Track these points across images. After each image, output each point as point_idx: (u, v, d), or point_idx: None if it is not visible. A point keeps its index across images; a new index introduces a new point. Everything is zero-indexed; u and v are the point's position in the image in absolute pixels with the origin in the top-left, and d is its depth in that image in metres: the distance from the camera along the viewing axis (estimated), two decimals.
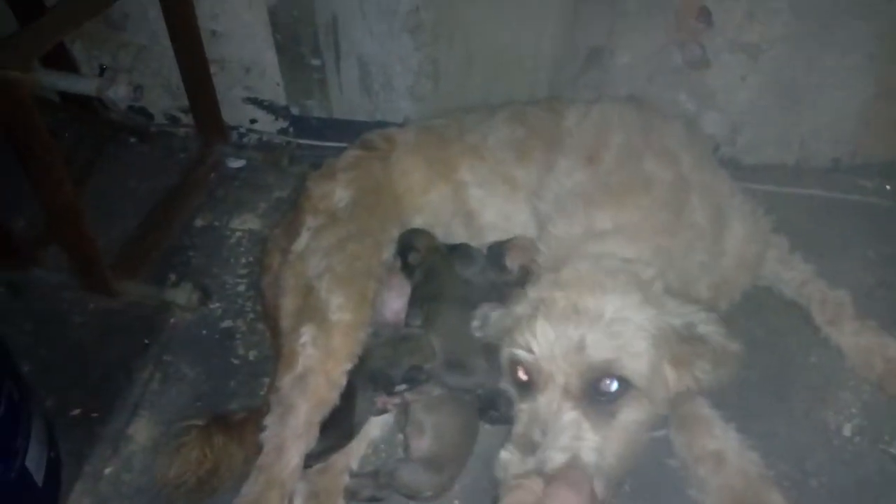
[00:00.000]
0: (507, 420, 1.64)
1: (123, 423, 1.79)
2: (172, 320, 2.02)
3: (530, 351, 1.33)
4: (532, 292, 1.43)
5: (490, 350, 1.54)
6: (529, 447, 1.29)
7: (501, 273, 1.79)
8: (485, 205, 1.88)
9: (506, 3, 2.13)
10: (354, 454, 1.63)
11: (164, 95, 2.56)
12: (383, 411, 1.64)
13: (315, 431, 1.49)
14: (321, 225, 1.73)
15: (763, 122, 2.33)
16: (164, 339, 1.97)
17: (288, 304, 1.65)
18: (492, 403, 1.62)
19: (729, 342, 1.37)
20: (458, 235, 1.90)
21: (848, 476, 1.63)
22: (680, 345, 1.37)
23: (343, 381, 1.53)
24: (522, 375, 1.38)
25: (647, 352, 1.32)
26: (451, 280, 1.75)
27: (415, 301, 1.74)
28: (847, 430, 1.71)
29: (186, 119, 2.58)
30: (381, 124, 2.26)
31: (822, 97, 2.24)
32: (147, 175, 2.46)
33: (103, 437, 1.77)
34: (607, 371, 1.30)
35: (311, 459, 1.50)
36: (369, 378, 1.55)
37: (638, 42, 2.20)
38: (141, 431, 1.78)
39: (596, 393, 1.30)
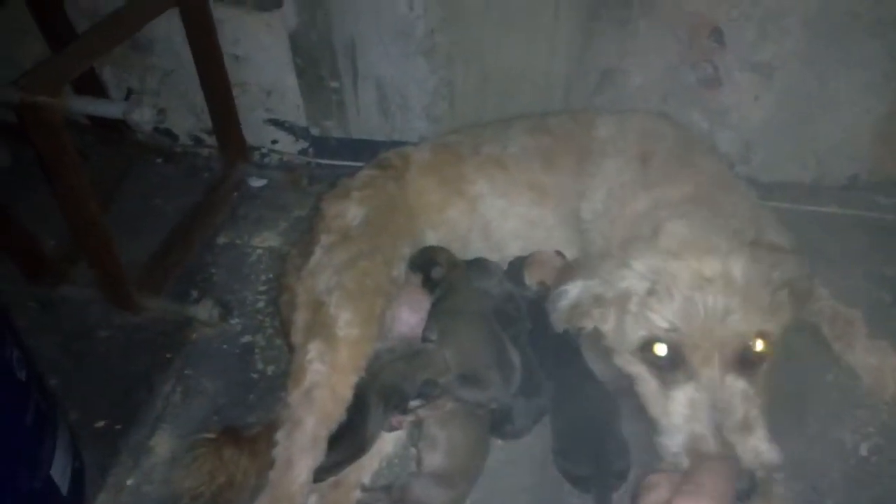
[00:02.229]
0: (520, 435, 1.66)
1: (145, 436, 1.84)
2: (194, 335, 2.06)
3: (675, 328, 1.31)
4: (637, 263, 1.38)
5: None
6: (706, 431, 1.27)
7: (520, 288, 1.81)
8: (506, 215, 1.89)
9: (519, 26, 2.17)
10: (367, 469, 1.65)
11: (189, 117, 2.63)
12: (396, 428, 1.65)
13: (322, 445, 1.51)
14: (333, 243, 1.76)
15: (778, 140, 2.33)
16: (186, 354, 2.02)
17: (298, 320, 1.68)
18: (506, 418, 1.63)
19: (813, 285, 1.39)
20: (476, 249, 1.92)
21: (864, 496, 1.60)
22: (779, 293, 1.37)
23: (349, 396, 1.54)
24: (662, 352, 1.35)
25: (772, 304, 1.33)
26: (470, 294, 1.77)
27: (434, 316, 1.75)
28: (864, 450, 1.69)
29: (210, 140, 2.65)
30: (398, 144, 2.31)
31: (836, 115, 2.24)
32: (172, 194, 2.53)
33: (126, 448, 1.81)
34: (755, 334, 1.31)
35: (322, 473, 1.52)
36: (382, 393, 1.57)
37: (650, 62, 2.22)
38: (162, 444, 1.82)
39: (746, 356, 1.32)
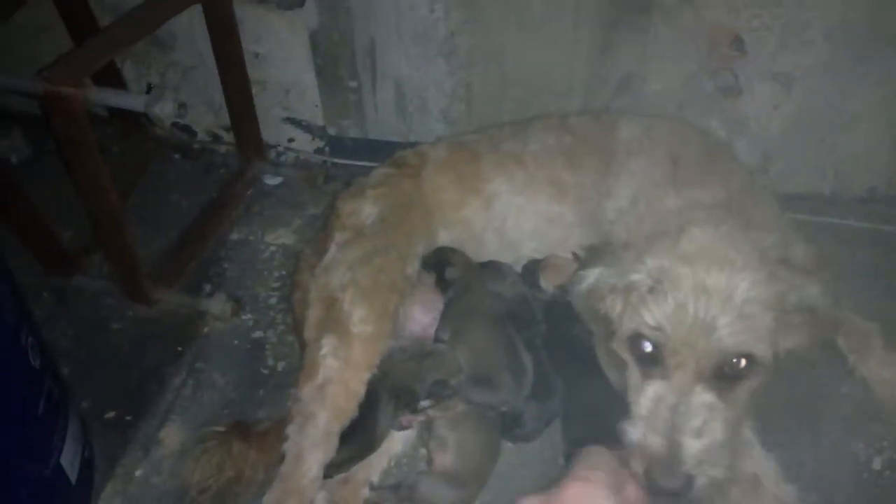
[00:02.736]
0: (531, 438, 1.66)
1: (155, 427, 1.85)
2: (206, 329, 2.08)
3: (661, 329, 1.34)
4: (650, 260, 1.40)
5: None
6: (660, 428, 1.31)
7: (535, 291, 1.80)
8: (523, 212, 1.89)
9: (538, 30, 2.17)
10: (376, 467, 1.65)
11: (208, 114, 2.65)
12: (406, 427, 1.65)
13: (334, 441, 1.51)
14: (348, 240, 1.77)
15: (797, 151, 2.32)
16: (197, 348, 2.03)
17: (311, 316, 1.68)
18: (517, 421, 1.63)
19: (838, 314, 1.38)
20: (491, 247, 1.91)
21: None
22: (790, 316, 1.37)
23: (362, 392, 1.55)
24: (647, 348, 1.38)
25: (771, 329, 1.33)
26: (483, 296, 1.77)
27: (447, 316, 1.75)
28: (877, 464, 1.67)
29: (227, 137, 2.66)
30: (415, 145, 2.30)
31: (856, 127, 2.22)
32: (188, 189, 2.55)
33: (135, 439, 1.83)
34: (738, 354, 1.32)
35: (331, 469, 1.52)
36: (393, 392, 1.57)
37: (670, 69, 2.21)
38: (171, 436, 1.83)
39: (723, 371, 1.33)
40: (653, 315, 1.34)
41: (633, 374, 1.44)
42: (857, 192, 2.36)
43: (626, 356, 1.46)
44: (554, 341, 1.74)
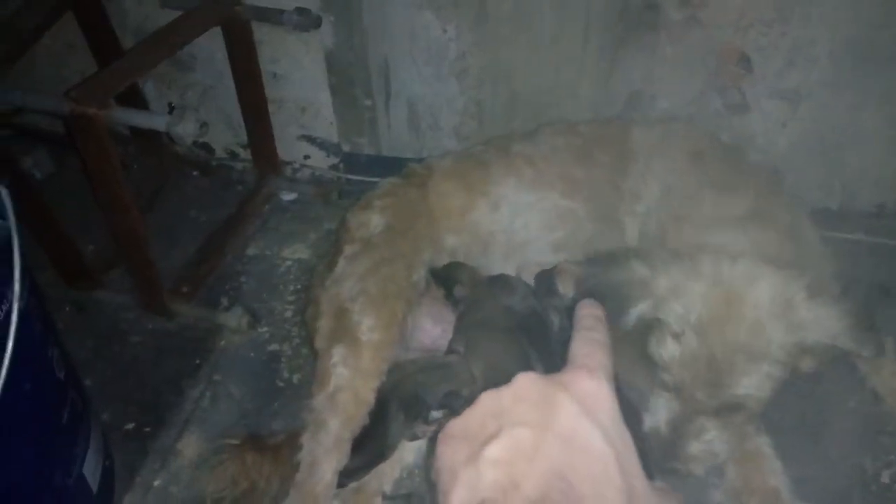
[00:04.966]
0: None
1: (173, 439, 1.89)
2: (223, 342, 2.12)
3: (671, 370, 1.40)
4: (678, 307, 1.41)
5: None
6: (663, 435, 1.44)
7: (554, 300, 1.81)
8: (533, 209, 1.88)
9: (547, 49, 2.21)
10: (388, 477, 1.68)
11: (226, 132, 2.71)
12: (417, 437, 1.68)
13: (345, 448, 1.54)
14: (356, 252, 1.79)
15: (805, 167, 2.34)
16: (215, 360, 2.08)
17: (323, 327, 1.71)
18: None
19: (865, 347, 1.39)
20: (498, 251, 1.91)
21: None
22: (806, 352, 1.41)
23: (371, 399, 1.57)
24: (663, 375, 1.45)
25: (780, 377, 1.38)
26: (494, 310, 1.79)
27: (459, 329, 1.76)
28: (886, 477, 1.68)
29: (245, 154, 2.73)
30: None
31: (864, 143, 2.24)
32: (206, 205, 2.61)
33: (154, 450, 1.87)
34: (742, 402, 1.38)
35: (344, 478, 1.55)
36: (403, 402, 1.59)
37: (677, 87, 2.25)
38: (189, 447, 1.87)
39: (724, 406, 1.40)
40: (671, 357, 1.40)
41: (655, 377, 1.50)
42: (865, 208, 2.37)
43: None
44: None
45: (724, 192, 1.68)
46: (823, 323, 1.37)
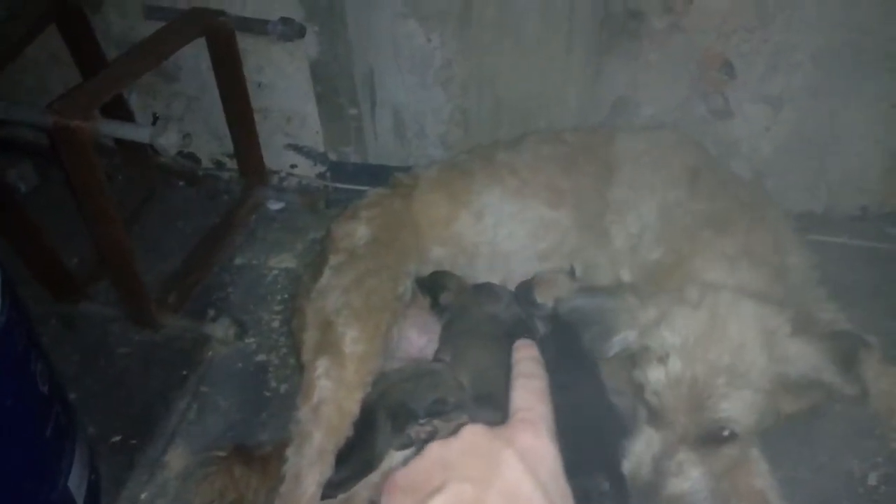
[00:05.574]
0: None
1: (160, 451, 1.88)
2: (210, 353, 2.11)
3: (658, 395, 1.41)
4: (667, 334, 1.42)
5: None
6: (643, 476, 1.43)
7: (533, 309, 1.82)
8: (517, 219, 1.88)
9: (531, 55, 2.23)
10: (377, 487, 1.67)
11: (212, 142, 2.71)
12: (405, 446, 1.67)
13: (329, 459, 1.54)
14: (341, 263, 1.79)
15: (789, 171, 2.36)
16: (202, 371, 2.07)
17: (308, 339, 1.72)
18: None
19: (847, 385, 1.39)
20: (482, 262, 1.91)
21: None
22: (790, 390, 1.43)
23: (355, 411, 1.57)
24: (647, 398, 1.45)
25: (762, 405, 1.39)
26: (480, 318, 1.80)
27: (446, 338, 1.77)
28: (873, 479, 1.69)
29: (231, 164, 2.73)
30: None
31: (847, 147, 2.26)
32: (193, 216, 2.60)
33: (141, 463, 1.86)
34: (723, 428, 1.39)
35: (331, 489, 1.55)
36: (390, 411, 1.59)
37: (662, 93, 2.26)
38: (176, 459, 1.86)
39: (708, 434, 1.40)
40: (657, 380, 1.41)
41: (638, 409, 1.51)
42: (849, 211, 2.39)
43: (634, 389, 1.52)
44: (561, 353, 1.75)
45: (712, 219, 1.68)
46: (807, 358, 1.39)
